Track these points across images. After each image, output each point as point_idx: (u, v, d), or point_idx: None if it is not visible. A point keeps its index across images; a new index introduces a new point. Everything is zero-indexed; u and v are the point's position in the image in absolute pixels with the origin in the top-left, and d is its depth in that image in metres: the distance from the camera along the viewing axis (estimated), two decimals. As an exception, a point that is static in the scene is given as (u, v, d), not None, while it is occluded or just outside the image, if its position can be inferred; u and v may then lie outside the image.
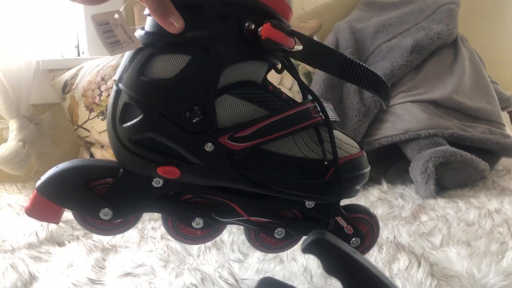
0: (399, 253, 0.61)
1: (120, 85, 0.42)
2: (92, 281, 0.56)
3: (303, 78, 1.15)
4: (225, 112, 0.41)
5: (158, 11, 0.37)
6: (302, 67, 1.16)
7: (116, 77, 0.43)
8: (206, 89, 0.40)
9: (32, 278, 0.59)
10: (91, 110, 1.16)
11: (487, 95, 1.19)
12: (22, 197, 1.01)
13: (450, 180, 1.00)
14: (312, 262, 0.60)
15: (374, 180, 1.12)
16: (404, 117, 1.07)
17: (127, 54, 0.42)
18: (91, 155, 1.18)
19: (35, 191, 0.43)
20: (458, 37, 1.25)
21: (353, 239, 0.48)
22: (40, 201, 0.43)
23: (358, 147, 0.49)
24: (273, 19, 0.39)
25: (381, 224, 0.77)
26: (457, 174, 1.00)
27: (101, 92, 1.17)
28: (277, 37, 0.38)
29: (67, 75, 1.23)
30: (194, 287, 0.52)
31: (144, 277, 0.56)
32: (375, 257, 0.60)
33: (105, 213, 0.44)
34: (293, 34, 0.39)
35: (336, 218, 0.47)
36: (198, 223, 0.46)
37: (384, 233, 0.72)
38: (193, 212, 0.45)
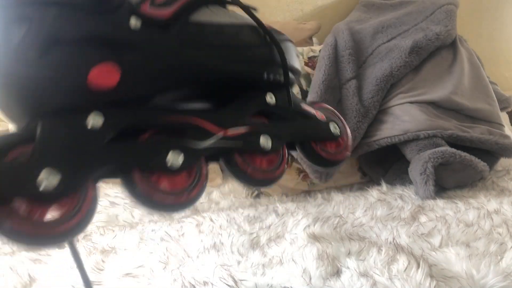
0: (398, 254, 0.61)
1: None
2: (92, 283, 0.56)
3: (302, 80, 1.15)
4: None
5: None
6: (301, 69, 1.17)
7: None
8: None
9: (32, 280, 0.59)
10: (90, 112, 1.16)
11: (486, 95, 1.19)
12: (22, 199, 1.01)
13: (449, 180, 1.01)
14: (311, 264, 0.60)
15: (373, 181, 1.13)
16: (403, 118, 1.07)
17: None
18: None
19: None
20: (457, 38, 1.25)
21: (330, 123, 0.42)
22: None
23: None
24: None
25: (380, 225, 0.77)
26: (456, 174, 1.00)
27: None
28: None
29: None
30: (193, 289, 0.52)
31: (143, 278, 0.57)
32: (374, 258, 0.60)
33: (47, 181, 0.28)
34: None
35: (301, 105, 0.40)
36: (175, 159, 0.33)
37: (383, 234, 0.72)
38: (162, 146, 0.33)
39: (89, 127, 0.30)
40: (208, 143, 0.35)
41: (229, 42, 0.36)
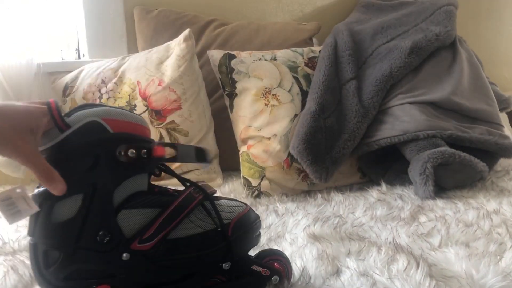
0: (398, 254, 0.61)
1: (34, 239, 0.48)
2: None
3: (302, 80, 1.15)
4: (128, 223, 0.48)
5: (42, 178, 0.45)
6: (301, 69, 1.17)
7: (28, 234, 0.48)
8: (104, 215, 0.47)
9: (33, 280, 0.59)
10: (91, 113, 1.17)
11: (485, 96, 1.19)
12: (22, 200, 1.01)
13: (448, 181, 1.01)
14: (311, 264, 0.60)
15: (373, 181, 1.13)
16: (402, 118, 1.07)
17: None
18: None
19: None
20: (457, 38, 1.25)
21: (273, 278, 0.54)
22: None
23: (243, 204, 0.55)
24: (135, 142, 0.48)
25: (380, 225, 0.77)
26: (455, 175, 1.01)
27: (102, 94, 1.17)
28: (160, 152, 0.49)
29: (67, 77, 1.23)
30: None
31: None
32: (374, 258, 0.61)
33: None
34: (166, 145, 0.51)
35: (251, 267, 0.53)
36: None
37: (383, 234, 0.72)
38: None
39: None
40: None
41: (197, 248, 0.50)
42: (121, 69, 1.20)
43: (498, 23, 1.79)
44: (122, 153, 0.47)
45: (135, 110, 1.14)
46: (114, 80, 1.18)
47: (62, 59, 1.37)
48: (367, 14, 1.38)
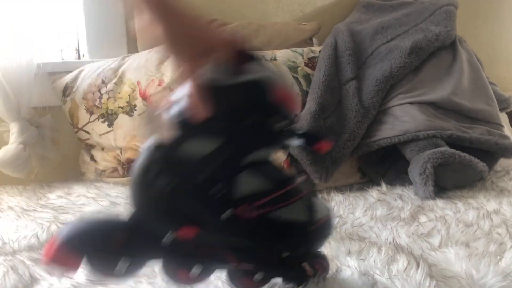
0: (398, 254, 0.61)
1: (159, 152, 0.47)
2: (93, 282, 0.56)
3: (302, 80, 1.15)
4: (243, 186, 0.47)
5: (196, 97, 0.46)
6: (301, 69, 1.17)
7: (156, 141, 0.48)
8: (231, 168, 0.47)
9: (33, 280, 0.59)
10: (91, 113, 1.17)
11: (485, 96, 1.19)
12: (23, 200, 1.01)
13: (448, 181, 1.01)
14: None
15: (373, 181, 1.13)
16: (403, 118, 1.07)
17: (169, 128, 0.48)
18: (92, 157, 1.18)
19: (59, 242, 0.46)
20: (457, 38, 1.25)
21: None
22: (63, 251, 0.46)
23: (328, 208, 0.56)
24: (287, 117, 0.49)
25: (380, 225, 0.77)
26: (455, 175, 1.01)
27: (102, 95, 1.17)
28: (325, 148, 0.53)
29: (67, 78, 1.23)
30: (194, 289, 0.52)
31: (144, 278, 0.57)
32: (374, 258, 0.61)
33: (123, 263, 0.48)
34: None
35: (302, 264, 0.54)
36: (198, 268, 0.51)
37: (383, 234, 0.72)
38: (194, 261, 0.51)
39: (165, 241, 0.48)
40: (224, 266, 0.53)
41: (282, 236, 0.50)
42: (121, 69, 1.20)
43: (498, 23, 1.79)
44: (273, 123, 0.48)
45: (135, 110, 1.14)
46: (114, 80, 1.18)
47: (62, 59, 1.37)
48: (367, 14, 1.38)
